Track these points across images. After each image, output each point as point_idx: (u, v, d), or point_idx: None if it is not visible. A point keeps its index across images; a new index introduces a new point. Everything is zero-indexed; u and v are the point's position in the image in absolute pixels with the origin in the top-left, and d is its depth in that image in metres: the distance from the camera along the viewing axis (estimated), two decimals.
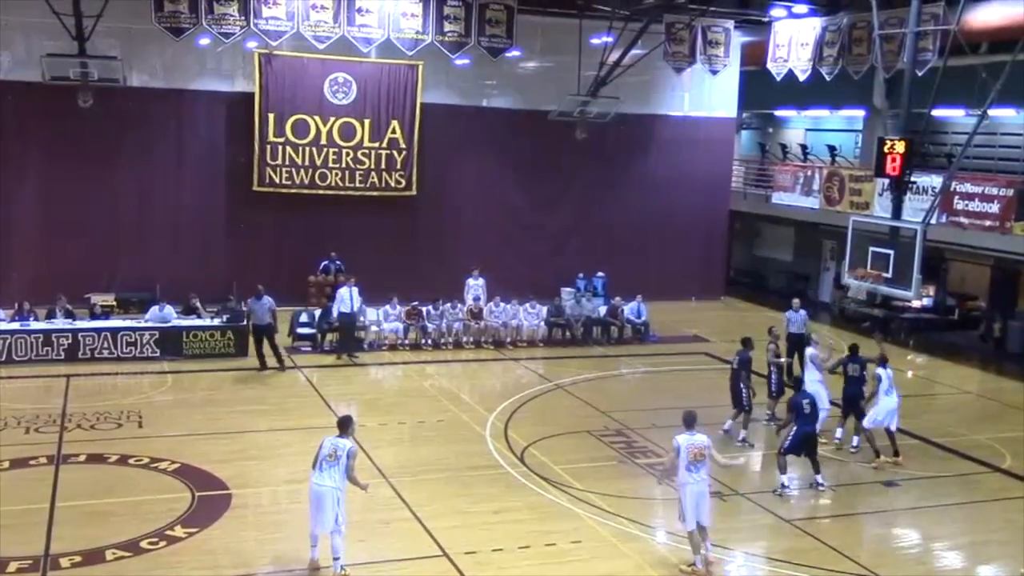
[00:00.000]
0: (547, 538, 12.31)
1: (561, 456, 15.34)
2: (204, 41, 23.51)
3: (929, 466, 15.69)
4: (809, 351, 17.12)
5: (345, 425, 11.23)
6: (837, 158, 30.30)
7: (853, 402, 16.07)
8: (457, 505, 13.31)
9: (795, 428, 14.11)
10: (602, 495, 13.75)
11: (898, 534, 13.67)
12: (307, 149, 25.18)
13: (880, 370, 15.74)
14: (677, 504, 11.72)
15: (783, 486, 14.11)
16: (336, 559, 10.89)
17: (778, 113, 34.69)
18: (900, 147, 19.27)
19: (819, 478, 14.35)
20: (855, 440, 16.25)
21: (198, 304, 21.40)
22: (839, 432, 16.47)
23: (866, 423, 15.70)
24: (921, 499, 14.19)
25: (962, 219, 22.70)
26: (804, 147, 32.36)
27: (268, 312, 19.79)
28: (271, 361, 19.95)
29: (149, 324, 20.65)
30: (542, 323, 23.49)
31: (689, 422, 11.64)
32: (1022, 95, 21.91)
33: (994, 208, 22.00)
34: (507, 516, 13.00)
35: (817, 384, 16.20)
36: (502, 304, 23.36)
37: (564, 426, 16.98)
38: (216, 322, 20.96)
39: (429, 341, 22.50)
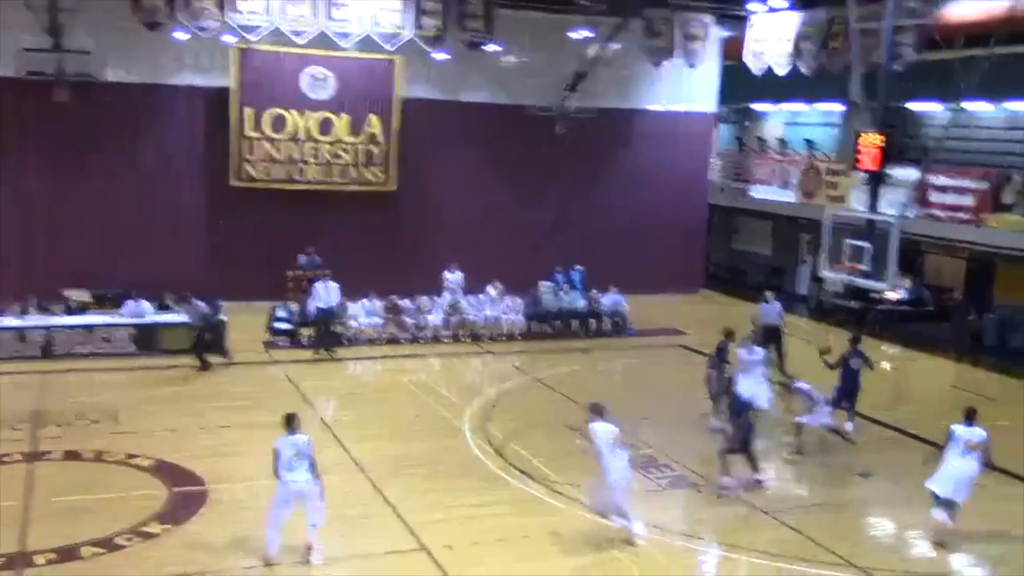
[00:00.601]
0: (526, 531, 12.35)
1: (540, 449, 15.35)
2: (181, 35, 23.30)
3: (905, 457, 15.76)
4: (740, 351, 16.84)
5: (293, 421, 11.37)
6: (815, 151, 30.41)
7: (851, 395, 16.40)
8: (436, 499, 13.31)
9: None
10: (579, 487, 13.76)
11: (874, 524, 13.80)
12: (285, 144, 25.07)
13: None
14: (600, 489, 12.04)
15: (758, 481, 14.17)
16: (314, 525, 11.24)
17: (756, 107, 34.78)
18: (877, 141, 19.37)
19: (725, 479, 14.12)
20: (849, 425, 16.50)
21: (171, 304, 21.27)
22: (849, 426, 16.59)
23: (809, 420, 15.79)
24: (896, 490, 14.28)
25: (937, 212, 22.87)
26: (782, 141, 32.45)
27: (199, 316, 19.83)
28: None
29: (125, 320, 20.53)
30: (520, 317, 23.50)
31: (600, 412, 12.17)
32: (998, 89, 22.07)
33: (969, 201, 22.18)
34: (486, 510, 13.01)
35: (755, 384, 16.08)
36: (481, 296, 23.38)
37: (543, 419, 17.00)
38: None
39: (407, 336, 22.47)
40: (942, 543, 12.51)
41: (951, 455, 12.47)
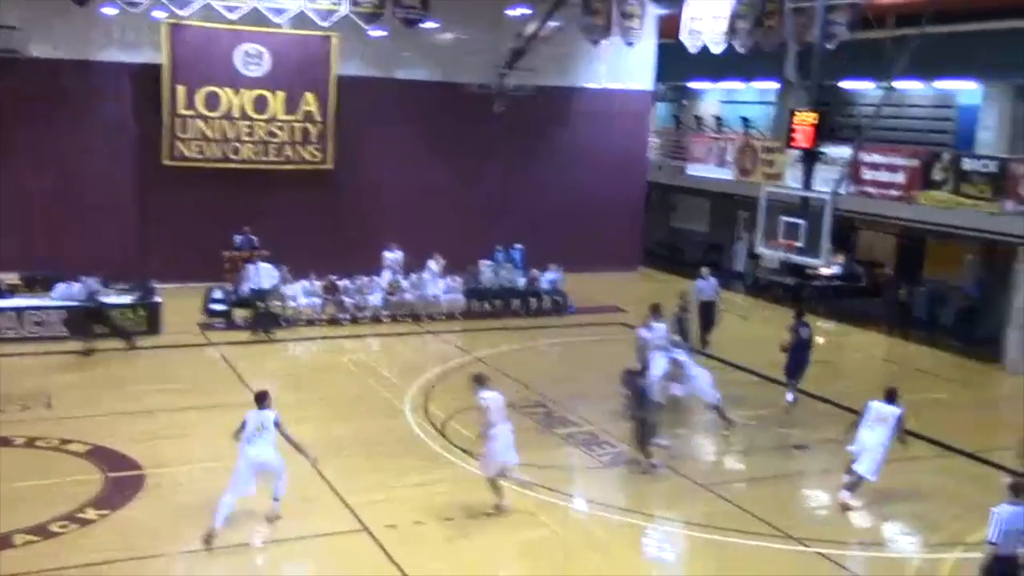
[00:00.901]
0: (468, 510, 12.37)
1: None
2: (110, 10, 22.71)
3: (839, 429, 16.00)
4: (640, 331, 17.04)
5: (263, 398, 11.69)
6: (751, 129, 30.72)
7: (799, 367, 17.02)
8: (377, 480, 13.30)
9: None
10: (522, 465, 13.79)
11: (808, 495, 14.11)
12: (219, 122, 24.64)
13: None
14: (484, 457, 12.33)
15: (663, 445, 14.32)
16: (276, 500, 11.63)
17: (693, 85, 35.00)
18: (811, 119, 19.60)
19: (653, 461, 14.11)
20: (791, 396, 17.07)
21: (101, 287, 20.76)
22: (790, 396, 17.16)
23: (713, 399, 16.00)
24: (831, 462, 14.51)
25: (870, 189, 23.25)
26: (718, 118, 32.70)
27: (87, 295, 19.42)
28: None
29: (56, 303, 20.06)
30: (460, 296, 23.49)
31: (484, 381, 12.51)
32: (928, 68, 22.44)
33: (900, 178, 22.59)
34: (428, 489, 13.01)
35: (659, 363, 15.98)
36: (424, 275, 23.34)
37: None
38: (127, 299, 20.44)
39: (347, 316, 22.32)
40: (847, 507, 13.03)
41: (863, 427, 13.12)
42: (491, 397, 12.30)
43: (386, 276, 23.31)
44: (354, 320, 22.31)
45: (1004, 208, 20.25)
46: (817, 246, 18.39)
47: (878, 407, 13.12)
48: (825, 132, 20.21)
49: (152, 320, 20.34)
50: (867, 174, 23.24)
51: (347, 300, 22.42)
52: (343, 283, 22.64)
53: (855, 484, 13.07)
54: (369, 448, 14.50)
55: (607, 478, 14.04)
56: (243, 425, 11.48)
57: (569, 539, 11.91)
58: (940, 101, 27.02)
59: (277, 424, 11.53)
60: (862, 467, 12.98)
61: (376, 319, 22.52)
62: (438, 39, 26.74)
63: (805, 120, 19.61)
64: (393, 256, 23.83)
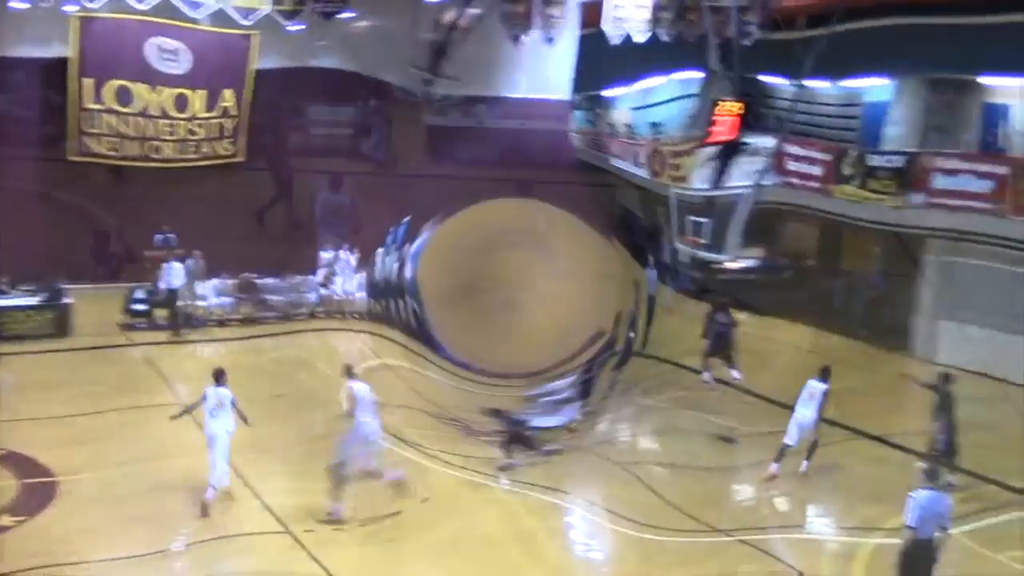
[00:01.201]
0: (390, 509, 12.28)
1: (407, 421, 15.26)
2: (20, 5, 21.87)
3: (765, 421, 16.02)
4: None
5: (221, 375, 12.39)
6: (659, 135, 30.70)
7: (722, 347, 17.61)
8: (298, 481, 13.08)
9: None
10: (453, 454, 13.87)
11: (736, 489, 14.27)
12: (135, 119, 23.97)
13: None
14: (349, 445, 12.23)
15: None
16: (213, 487, 11.97)
17: (607, 94, 34.83)
18: (735, 109, 19.66)
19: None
20: (707, 375, 17.53)
21: (4, 288, 20.14)
22: (706, 375, 17.56)
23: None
24: (758, 454, 14.62)
25: (793, 180, 23.58)
26: (629, 126, 32.72)
27: None
28: None
29: None
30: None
31: (351, 371, 12.68)
32: (840, 65, 22.88)
33: (818, 171, 23.02)
34: (349, 489, 12.80)
35: None
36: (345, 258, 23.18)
37: (409, 395, 16.87)
38: (33, 301, 19.83)
39: (268, 314, 21.97)
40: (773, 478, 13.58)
41: (798, 405, 13.86)
42: (359, 388, 12.37)
43: (321, 274, 23.04)
44: (285, 317, 21.93)
45: (909, 202, 20.82)
46: (723, 242, 18.63)
47: (811, 384, 13.81)
48: (749, 122, 20.40)
49: (60, 322, 19.73)
50: (791, 165, 23.55)
51: (273, 298, 22.10)
52: (264, 282, 22.32)
53: (782, 455, 13.63)
54: (289, 449, 14.27)
55: (532, 469, 14.04)
56: (203, 398, 12.09)
57: (492, 533, 11.92)
58: (847, 99, 27.44)
59: (234, 404, 12.16)
60: (803, 439, 13.62)
61: (299, 316, 22.16)
62: (355, 28, 26.27)
63: (730, 110, 19.73)
64: (328, 256, 23.52)
